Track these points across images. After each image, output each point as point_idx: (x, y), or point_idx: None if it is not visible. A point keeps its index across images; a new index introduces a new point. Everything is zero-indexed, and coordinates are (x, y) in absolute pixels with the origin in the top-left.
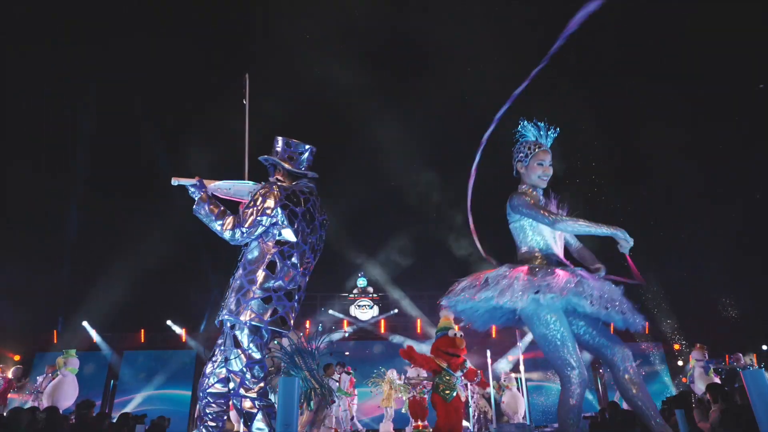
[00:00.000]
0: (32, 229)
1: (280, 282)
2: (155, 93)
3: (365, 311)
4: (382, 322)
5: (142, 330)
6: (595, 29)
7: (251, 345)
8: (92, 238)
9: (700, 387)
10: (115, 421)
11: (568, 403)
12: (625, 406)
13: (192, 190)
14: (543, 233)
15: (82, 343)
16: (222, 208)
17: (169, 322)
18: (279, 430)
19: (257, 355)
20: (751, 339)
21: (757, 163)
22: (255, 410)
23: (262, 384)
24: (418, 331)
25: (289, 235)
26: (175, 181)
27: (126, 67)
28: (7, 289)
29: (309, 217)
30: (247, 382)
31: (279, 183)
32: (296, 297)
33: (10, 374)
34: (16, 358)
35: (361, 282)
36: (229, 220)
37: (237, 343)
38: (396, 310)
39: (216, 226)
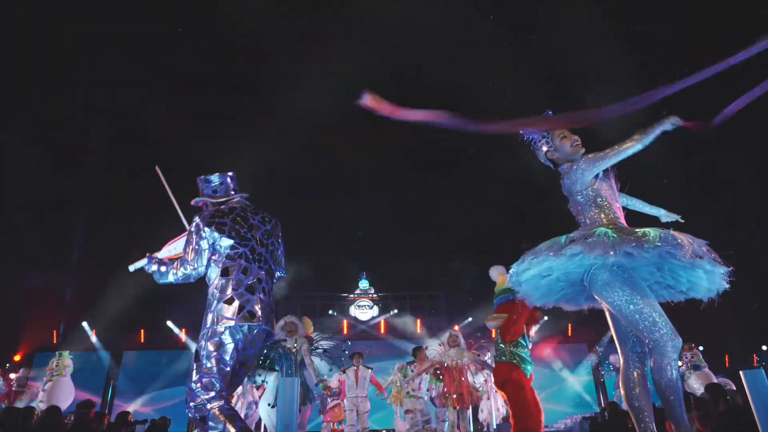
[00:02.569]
0: (37, 230)
1: (240, 277)
2: (166, 99)
3: (365, 311)
4: (382, 322)
5: (142, 330)
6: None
7: (210, 350)
8: (96, 239)
9: (692, 387)
10: (114, 420)
11: (666, 374)
12: (625, 406)
13: (146, 268)
14: (607, 201)
15: (82, 344)
16: (167, 262)
17: (169, 323)
18: (279, 430)
19: (210, 363)
20: (752, 339)
21: (757, 162)
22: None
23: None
24: (418, 330)
25: (225, 242)
26: (131, 267)
27: (141, 72)
28: (8, 289)
29: (240, 219)
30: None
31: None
32: (260, 288)
33: (13, 375)
34: (17, 358)
35: (363, 284)
36: (176, 264)
37: (197, 357)
38: (396, 311)
39: (170, 277)
